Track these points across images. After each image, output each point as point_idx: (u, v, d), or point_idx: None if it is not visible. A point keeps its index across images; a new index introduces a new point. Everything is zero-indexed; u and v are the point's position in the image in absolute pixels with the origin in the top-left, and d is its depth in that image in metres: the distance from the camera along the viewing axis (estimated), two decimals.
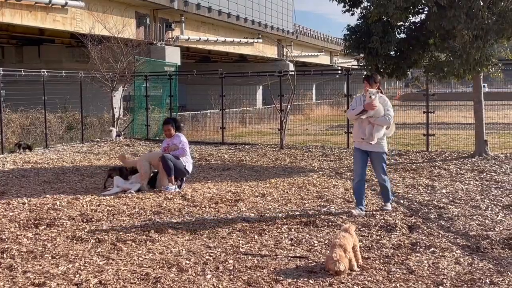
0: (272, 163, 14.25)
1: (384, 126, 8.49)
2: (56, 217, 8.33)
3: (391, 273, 5.88)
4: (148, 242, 7.10)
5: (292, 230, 7.63)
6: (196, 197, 9.92)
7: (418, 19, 14.73)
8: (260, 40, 48.15)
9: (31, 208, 9.03)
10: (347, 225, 6.36)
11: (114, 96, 21.17)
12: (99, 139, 20.51)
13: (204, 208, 9.01)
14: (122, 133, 20.49)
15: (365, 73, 15.77)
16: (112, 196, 9.93)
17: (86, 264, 6.18)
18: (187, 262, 6.26)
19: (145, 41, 28.99)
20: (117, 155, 14.76)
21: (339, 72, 29.25)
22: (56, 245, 6.98)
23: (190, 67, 40.11)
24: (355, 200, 8.77)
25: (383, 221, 8.02)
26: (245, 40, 45.59)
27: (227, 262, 6.24)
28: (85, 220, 8.22)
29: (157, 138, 20.46)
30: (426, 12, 14.27)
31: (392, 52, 14.31)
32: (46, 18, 27.00)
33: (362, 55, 15.40)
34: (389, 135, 8.82)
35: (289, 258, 6.40)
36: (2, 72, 16.84)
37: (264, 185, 11.04)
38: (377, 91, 8.48)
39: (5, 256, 6.52)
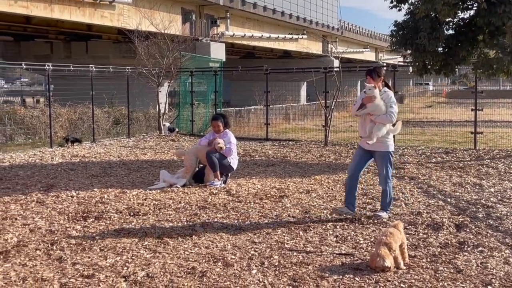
0: (317, 160, 14.22)
1: (386, 124, 7.86)
2: (104, 210, 8.48)
3: (439, 272, 5.82)
4: (194, 236, 7.17)
5: (337, 227, 7.61)
6: (241, 192, 9.96)
7: (467, 15, 14.51)
8: (305, 36, 48.01)
9: (79, 201, 9.20)
10: (395, 222, 6.31)
11: (160, 91, 21.37)
12: (144, 134, 20.75)
13: (249, 204, 9.04)
14: (176, 129, 20.63)
15: (411, 69, 15.61)
16: (158, 191, 10.04)
17: (133, 257, 6.27)
18: (233, 257, 6.29)
19: (190, 37, 29.17)
20: (174, 152, 14.88)
21: (385, 68, 29.00)
22: (104, 237, 7.10)
23: (235, 63, 40.31)
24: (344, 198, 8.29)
25: (430, 219, 7.94)
26: (290, 36, 45.51)
27: (272, 258, 6.25)
28: (132, 214, 8.34)
29: (202, 133, 20.58)
30: (475, 8, 14.04)
31: (440, 49, 14.13)
32: (94, 14, 27.41)
33: (409, 51, 15.23)
34: (395, 133, 8.24)
35: (334, 255, 6.38)
36: (51, 67, 17.15)
37: (308, 182, 11.03)
38: (381, 85, 7.96)
39: (54, 248, 6.66)
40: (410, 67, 16.25)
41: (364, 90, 7.94)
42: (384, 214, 8.06)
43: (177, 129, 20.63)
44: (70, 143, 17.09)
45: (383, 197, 8.19)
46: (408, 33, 14.04)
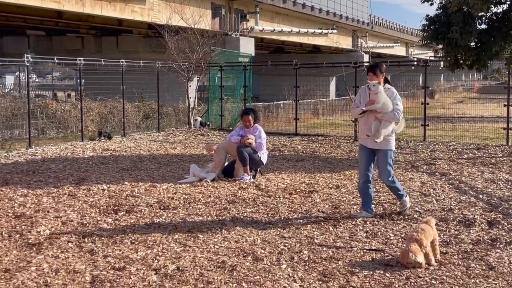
0: (346, 155, 14.16)
1: (392, 122, 7.65)
2: (134, 204, 8.55)
3: (470, 268, 5.76)
4: (223, 230, 7.19)
5: (368, 222, 7.57)
6: (270, 187, 9.97)
7: (500, 9, 14.31)
8: (335, 31, 47.80)
9: (110, 194, 9.29)
10: (427, 218, 6.26)
11: (190, 86, 21.46)
12: (174, 128, 20.86)
13: (278, 199, 9.05)
14: (207, 123, 20.73)
15: (443, 64, 15.45)
16: (188, 185, 10.09)
17: (164, 250, 6.32)
18: (262, 251, 6.30)
19: (220, 32, 29.24)
20: (204, 145, 14.95)
21: (415, 63, 28.76)
22: (135, 231, 7.16)
23: (264, 58, 40.32)
24: (361, 202, 8.10)
25: (462, 216, 7.86)
26: (320, 31, 45.36)
27: (302, 253, 6.25)
28: (162, 207, 8.40)
29: (231, 128, 20.61)
30: (508, 2, 13.84)
31: (472, 43, 13.95)
32: (125, 9, 27.63)
33: (440, 46, 15.08)
34: (398, 131, 7.94)
35: (364, 250, 6.36)
36: (82, 62, 17.33)
37: (338, 177, 10.99)
38: (381, 83, 7.68)
39: (86, 240, 6.74)
40: (442, 62, 16.08)
41: (368, 85, 7.65)
42: (406, 201, 8.00)
43: (208, 123, 20.72)
44: (103, 137, 17.27)
45: (394, 191, 8.07)
46: (440, 27, 13.88)
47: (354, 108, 7.90)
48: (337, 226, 7.38)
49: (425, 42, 14.87)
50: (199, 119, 20.81)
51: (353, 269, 5.71)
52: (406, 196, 8.09)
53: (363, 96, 7.78)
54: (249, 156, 10.68)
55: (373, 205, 8.03)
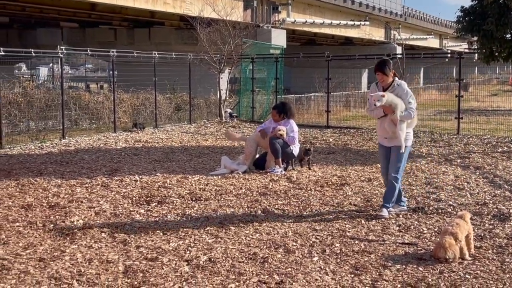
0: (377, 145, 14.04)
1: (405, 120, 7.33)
2: (166, 195, 8.61)
3: (505, 263, 5.69)
4: (255, 222, 7.21)
5: (400, 216, 7.52)
6: (301, 179, 9.95)
7: None
8: (367, 23, 47.42)
9: (142, 185, 9.36)
10: (462, 212, 6.19)
11: (221, 78, 21.49)
12: (205, 120, 20.92)
13: (309, 191, 9.03)
14: (234, 114, 20.79)
15: (477, 57, 15.24)
16: (219, 176, 10.12)
17: (195, 242, 6.35)
18: (294, 243, 6.30)
19: (252, 23, 29.21)
20: (223, 132, 15.01)
21: (449, 55, 28.41)
22: (167, 222, 7.21)
23: (295, 50, 40.20)
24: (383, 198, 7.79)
25: (496, 210, 7.76)
26: (352, 22, 45.03)
27: (333, 246, 6.23)
28: (194, 199, 8.44)
29: (262, 120, 20.60)
30: None
31: (508, 35, 13.73)
32: (157, 1, 27.76)
33: (475, 38, 14.87)
34: (411, 127, 7.58)
35: (397, 244, 6.31)
36: (115, 54, 17.46)
37: (370, 170, 10.92)
38: (391, 78, 7.37)
39: (119, 230, 6.81)
40: (476, 54, 15.86)
41: (377, 81, 7.45)
42: (385, 212, 7.47)
43: (235, 114, 20.73)
44: (138, 128, 17.42)
45: (387, 192, 7.59)
46: (475, 19, 13.70)
47: (370, 109, 7.44)
48: (369, 219, 7.34)
49: (460, 34, 14.69)
50: (229, 110, 20.84)
51: (385, 263, 5.67)
52: (389, 209, 7.56)
53: (374, 92, 7.39)
54: (282, 148, 10.66)
55: (405, 199, 7.96)
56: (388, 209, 7.56)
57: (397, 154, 7.44)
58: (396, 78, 7.46)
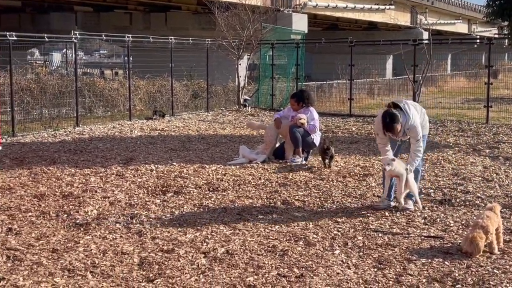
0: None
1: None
2: (183, 185, 8.63)
3: None
4: (274, 214, 7.22)
5: (426, 208, 7.48)
6: (322, 170, 9.93)
7: None
8: (393, 7, 47.00)
9: (158, 175, 9.40)
10: (492, 204, 6.14)
11: (240, 64, 21.43)
12: (223, 108, 20.93)
13: (331, 182, 9.01)
14: (245, 103, 20.70)
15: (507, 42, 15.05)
16: (237, 166, 10.13)
17: (213, 233, 6.37)
18: (315, 236, 6.30)
19: (272, 8, 29.10)
20: (247, 122, 14.99)
21: (478, 41, 28.13)
22: (184, 212, 7.24)
23: (317, 35, 39.96)
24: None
25: None
26: (376, 6, 44.67)
27: (356, 239, 6.22)
28: (211, 189, 8.46)
29: (281, 108, 20.55)
30: None
31: None
32: None
33: (505, 22, 14.70)
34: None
35: (422, 237, 6.29)
36: (131, 39, 17.49)
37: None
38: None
39: (134, 221, 6.84)
40: (506, 40, 15.68)
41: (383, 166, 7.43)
42: (409, 205, 7.44)
43: (245, 103, 20.58)
44: (158, 115, 17.48)
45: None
46: (505, 3, 13.53)
47: (382, 147, 7.51)
48: (394, 212, 7.31)
49: (490, 18, 14.54)
50: (247, 98, 20.80)
51: (410, 257, 5.65)
52: (390, 201, 7.55)
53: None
54: (302, 138, 10.63)
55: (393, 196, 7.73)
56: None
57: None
58: (406, 108, 7.23)
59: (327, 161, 10.08)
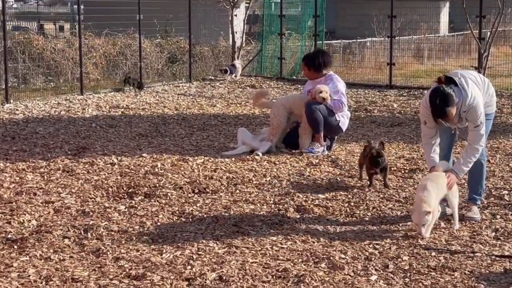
0: None
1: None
2: (157, 185, 8.64)
3: None
4: (285, 225, 7.23)
5: (497, 216, 7.50)
6: (352, 163, 9.95)
7: None
8: None
9: (122, 171, 9.41)
10: None
11: (235, 15, 21.39)
12: (212, 77, 20.91)
13: (364, 180, 9.02)
14: (229, 70, 20.25)
15: None
16: (233, 158, 10.13)
17: (200, 252, 6.37)
18: (342, 256, 6.30)
19: None
20: (250, 95, 14.90)
21: None
22: (159, 223, 7.25)
23: None
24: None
25: None
26: None
27: (400, 259, 6.22)
28: (196, 191, 8.47)
29: (294, 77, 20.55)
30: None
31: None
32: None
33: None
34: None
35: (493, 257, 6.29)
36: None
37: (454, 149, 10.85)
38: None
39: (90, 236, 6.84)
40: None
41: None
42: (474, 213, 7.49)
43: (232, 70, 20.15)
44: (132, 86, 17.44)
45: (474, 180, 7.67)
46: None
47: (428, 143, 7.52)
48: (452, 221, 7.31)
49: None
50: (236, 63, 20.44)
51: (476, 284, 5.66)
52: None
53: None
54: (324, 119, 10.58)
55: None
56: (478, 205, 7.55)
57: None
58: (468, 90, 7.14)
59: (378, 176, 8.91)
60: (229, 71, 20.15)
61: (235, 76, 20.20)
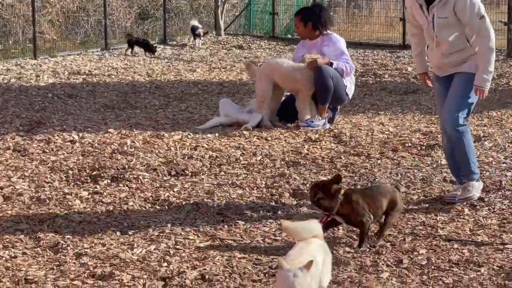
0: (493, 83, 13.94)
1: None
2: (126, 166, 8.63)
3: None
4: (279, 212, 7.23)
5: None
6: (358, 138, 9.96)
7: None
8: None
9: (85, 149, 9.40)
10: None
11: None
12: (191, 37, 20.85)
13: (372, 159, 9.04)
14: (199, 29, 20.02)
15: None
16: (217, 134, 10.11)
17: (178, 246, 6.37)
18: (347, 249, 6.32)
19: None
20: (244, 64, 14.86)
21: None
22: (128, 212, 7.24)
23: None
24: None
25: None
26: None
27: (415, 253, 6.22)
28: (173, 173, 8.47)
29: (289, 36, 20.53)
30: None
31: None
32: None
33: None
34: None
35: None
36: None
37: (478, 121, 10.89)
38: None
39: (46, 228, 6.82)
40: None
41: None
42: (473, 186, 7.54)
43: (201, 31, 19.89)
44: (138, 47, 17.42)
45: (459, 159, 7.62)
46: None
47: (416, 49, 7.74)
48: (478, 207, 7.32)
49: None
50: (194, 22, 20.12)
51: (507, 282, 5.66)
52: (478, 177, 7.71)
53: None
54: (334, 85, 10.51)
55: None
56: (474, 182, 7.55)
57: (458, 90, 7.47)
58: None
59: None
60: (199, 34, 19.90)
61: (194, 41, 19.91)
